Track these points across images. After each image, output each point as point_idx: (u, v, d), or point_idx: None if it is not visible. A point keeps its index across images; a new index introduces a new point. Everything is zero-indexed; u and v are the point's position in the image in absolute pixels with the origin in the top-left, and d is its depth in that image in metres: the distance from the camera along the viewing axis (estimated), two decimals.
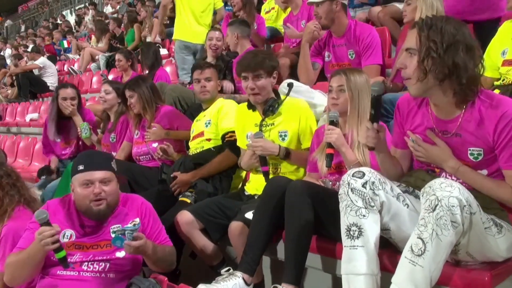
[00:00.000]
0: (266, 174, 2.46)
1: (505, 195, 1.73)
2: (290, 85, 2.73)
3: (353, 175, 1.74)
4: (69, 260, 1.98)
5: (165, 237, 2.23)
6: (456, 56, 1.64)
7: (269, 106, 2.54)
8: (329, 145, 2.12)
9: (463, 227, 1.56)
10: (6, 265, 2.01)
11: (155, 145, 3.23)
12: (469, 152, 1.76)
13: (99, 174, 2.05)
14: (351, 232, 1.71)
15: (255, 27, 4.84)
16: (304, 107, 2.58)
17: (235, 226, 2.30)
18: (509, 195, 1.72)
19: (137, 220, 2.02)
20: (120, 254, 2.06)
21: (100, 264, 2.04)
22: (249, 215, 2.26)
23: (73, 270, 2.01)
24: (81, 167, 2.06)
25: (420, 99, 1.87)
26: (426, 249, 1.54)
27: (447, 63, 1.64)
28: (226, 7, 6.17)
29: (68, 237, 2.05)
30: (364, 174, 1.73)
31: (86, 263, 2.02)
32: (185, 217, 2.46)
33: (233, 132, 2.80)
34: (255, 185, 2.60)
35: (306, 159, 2.45)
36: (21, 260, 1.96)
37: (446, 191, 1.54)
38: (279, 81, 2.95)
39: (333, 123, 2.17)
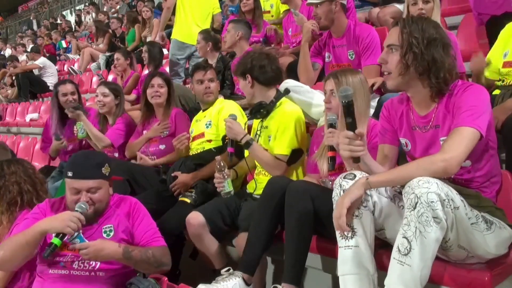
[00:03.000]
0: (230, 155, 2.50)
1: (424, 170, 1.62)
2: (286, 91, 2.71)
3: (344, 177, 1.78)
4: (62, 259, 2.01)
5: (154, 237, 2.14)
6: (435, 52, 1.73)
7: (252, 109, 2.61)
8: (331, 148, 2.04)
9: (446, 223, 1.56)
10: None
11: (162, 146, 3.27)
12: (441, 143, 1.78)
13: (86, 184, 2.04)
14: (345, 233, 1.73)
15: (261, 31, 4.84)
16: (284, 116, 2.54)
17: (243, 237, 2.27)
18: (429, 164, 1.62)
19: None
20: None
21: (91, 263, 2.04)
22: None
23: (64, 269, 2.02)
24: (69, 174, 2.05)
25: (403, 100, 1.93)
26: (411, 248, 1.55)
27: (427, 58, 1.72)
28: (230, 8, 6.16)
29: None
30: (355, 176, 1.76)
31: (76, 262, 2.02)
32: (197, 219, 2.45)
33: None
34: (253, 184, 2.62)
35: (267, 161, 2.48)
36: (16, 240, 1.96)
37: (424, 187, 1.55)
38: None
39: (332, 126, 2.15)
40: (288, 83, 2.85)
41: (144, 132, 3.42)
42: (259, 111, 2.58)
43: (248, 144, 2.48)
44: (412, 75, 1.76)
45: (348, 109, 1.73)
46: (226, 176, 2.46)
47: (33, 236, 1.95)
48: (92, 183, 2.05)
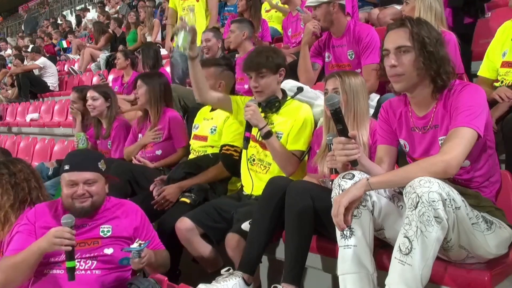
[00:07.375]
0: (247, 140, 2.47)
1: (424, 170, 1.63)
2: (299, 89, 2.70)
3: (343, 177, 1.78)
4: (58, 259, 2.00)
5: (158, 242, 2.25)
6: (443, 50, 1.75)
7: (267, 103, 2.55)
8: (335, 171, 1.92)
9: (447, 222, 1.57)
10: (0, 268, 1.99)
11: (158, 152, 3.25)
12: (440, 142, 1.79)
13: (83, 175, 2.06)
14: (345, 232, 1.74)
15: (260, 31, 4.83)
16: (302, 113, 2.55)
17: (231, 238, 2.29)
18: (431, 166, 1.64)
19: (141, 241, 2.03)
20: (108, 251, 2.08)
21: (87, 261, 2.05)
22: (245, 226, 2.26)
23: (59, 268, 2.02)
24: (66, 167, 2.08)
25: (401, 101, 1.93)
26: (412, 247, 1.56)
27: (438, 56, 1.73)
28: (226, 8, 6.16)
29: None
30: (354, 176, 1.77)
31: None
32: (185, 224, 2.45)
33: (231, 146, 2.79)
34: (249, 185, 2.60)
35: (283, 156, 2.45)
36: (16, 262, 1.95)
37: (425, 187, 1.55)
38: None
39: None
40: (289, 83, 2.85)
41: (140, 135, 3.42)
42: (274, 104, 2.56)
43: (269, 134, 2.44)
44: (423, 76, 1.77)
45: (337, 116, 1.75)
46: (185, 30, 2.37)
47: (30, 257, 1.93)
48: (89, 175, 2.07)
